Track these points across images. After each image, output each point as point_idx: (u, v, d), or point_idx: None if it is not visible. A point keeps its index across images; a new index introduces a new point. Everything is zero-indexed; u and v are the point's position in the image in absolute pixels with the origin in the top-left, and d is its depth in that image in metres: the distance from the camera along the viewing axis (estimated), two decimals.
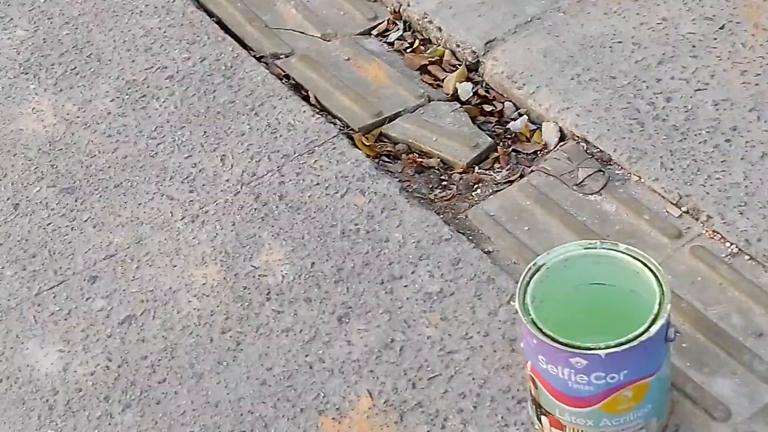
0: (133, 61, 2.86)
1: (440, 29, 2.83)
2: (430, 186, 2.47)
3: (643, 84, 2.54)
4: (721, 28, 2.64)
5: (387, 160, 2.54)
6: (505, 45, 2.72)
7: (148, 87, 2.77)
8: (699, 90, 2.50)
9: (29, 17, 3.06)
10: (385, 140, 2.61)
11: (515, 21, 2.78)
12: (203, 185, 2.48)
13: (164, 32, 2.93)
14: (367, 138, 2.58)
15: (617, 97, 2.51)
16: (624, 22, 2.71)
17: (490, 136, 2.56)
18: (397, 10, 2.96)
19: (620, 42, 2.66)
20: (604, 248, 1.82)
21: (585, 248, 1.83)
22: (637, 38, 2.66)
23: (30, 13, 3.07)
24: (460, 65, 2.77)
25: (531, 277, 1.77)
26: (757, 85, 2.48)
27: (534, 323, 1.67)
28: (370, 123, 2.62)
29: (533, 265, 1.78)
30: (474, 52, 2.74)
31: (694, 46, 2.61)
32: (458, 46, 2.78)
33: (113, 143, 2.62)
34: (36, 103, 2.78)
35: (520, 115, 2.62)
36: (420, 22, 2.89)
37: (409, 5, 2.91)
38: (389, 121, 2.63)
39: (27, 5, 3.10)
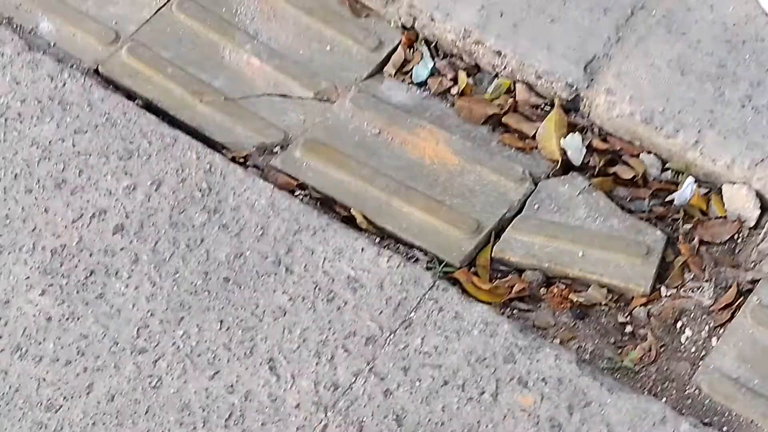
0: (45, 210, 1.97)
1: (500, 53, 2.05)
2: (612, 341, 1.80)
3: None
4: None
5: (523, 306, 1.83)
6: (613, 64, 2.02)
7: (91, 255, 1.91)
8: None
9: None
10: (502, 267, 1.87)
11: (611, 18, 2.08)
12: (263, 425, 1.70)
13: (73, 145, 2.04)
14: (478, 275, 1.84)
15: None
16: None
17: (650, 222, 1.87)
18: (410, 26, 2.15)
19: None
20: None
21: None
22: None
23: None
24: (546, 105, 2.03)
25: None
26: None
27: None
28: (473, 248, 1.86)
29: None
30: (570, 85, 2.01)
31: None
32: (540, 77, 2.02)
33: (80, 376, 1.79)
34: None
35: (673, 172, 1.94)
36: (460, 44, 2.12)
37: (432, 20, 2.13)
38: (497, 236, 1.88)
39: None
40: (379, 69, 2.14)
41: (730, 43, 1.98)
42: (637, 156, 1.96)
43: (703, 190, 1.91)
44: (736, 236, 1.86)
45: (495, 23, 2.08)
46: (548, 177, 1.95)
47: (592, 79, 2.00)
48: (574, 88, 2.00)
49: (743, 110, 1.90)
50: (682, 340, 1.76)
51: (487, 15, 2.08)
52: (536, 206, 1.90)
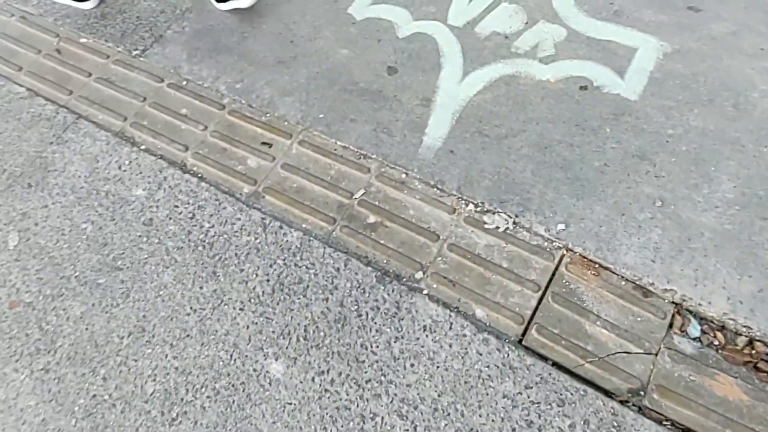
0: None
1: (749, 327, 1.69)
2: None
3: None
4: None
5: None
6: None
7: None
8: None
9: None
10: None
11: None
12: None
13: (528, 396, 1.64)
14: None
15: None
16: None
17: None
18: (677, 302, 1.78)
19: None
20: None
21: None
22: None
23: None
24: None
25: None
26: None
27: None
28: None
29: None
30: None
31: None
32: None
33: None
34: None
35: None
36: (719, 319, 1.73)
37: (700, 304, 1.74)
38: None
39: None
40: (669, 328, 1.77)
41: None
42: None
43: None
44: None
45: (740, 309, 1.72)
46: None
47: None
48: None
49: None
50: None
51: (733, 303, 1.72)
52: None
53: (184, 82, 2.46)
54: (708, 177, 1.98)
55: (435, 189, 2.07)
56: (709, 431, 1.57)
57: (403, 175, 2.12)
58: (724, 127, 2.10)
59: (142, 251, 2.02)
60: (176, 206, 2.12)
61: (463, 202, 2.03)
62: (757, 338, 1.69)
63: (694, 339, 1.74)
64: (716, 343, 1.73)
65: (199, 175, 2.20)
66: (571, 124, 2.17)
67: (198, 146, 2.28)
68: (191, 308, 1.89)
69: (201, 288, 1.93)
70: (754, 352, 1.69)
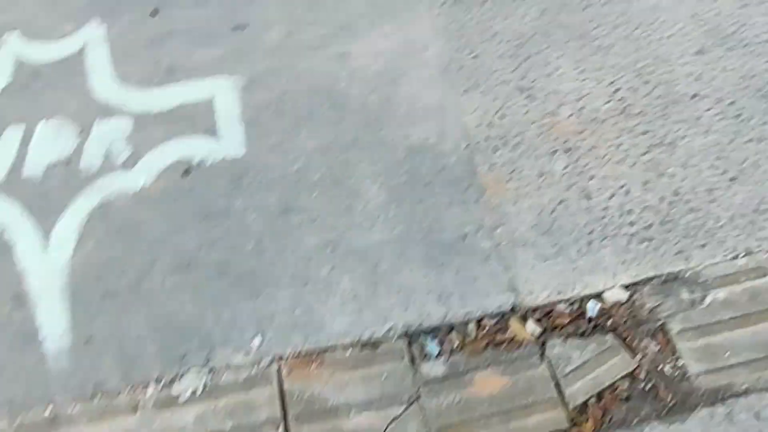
0: None
1: (458, 313, 1.70)
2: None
3: None
4: None
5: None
6: (525, 289, 1.72)
7: None
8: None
9: None
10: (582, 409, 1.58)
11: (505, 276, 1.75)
12: None
13: None
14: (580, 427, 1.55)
15: None
16: None
17: (601, 329, 1.68)
18: (403, 333, 1.71)
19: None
20: None
21: None
22: None
23: None
24: (502, 321, 1.72)
25: None
26: None
27: None
28: (567, 414, 1.56)
29: None
30: (513, 306, 1.71)
31: None
32: (494, 314, 1.71)
33: None
34: None
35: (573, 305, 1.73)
36: (443, 323, 1.72)
37: (421, 324, 1.70)
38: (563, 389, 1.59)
39: None
40: (412, 364, 1.66)
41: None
42: (553, 308, 1.73)
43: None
44: (628, 309, 1.71)
45: (451, 302, 1.70)
46: (532, 357, 1.64)
47: (517, 296, 1.71)
48: (511, 304, 1.71)
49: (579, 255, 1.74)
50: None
51: (443, 300, 1.70)
52: (559, 365, 1.62)
53: None
54: (354, 191, 1.91)
55: (98, 399, 1.60)
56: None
57: (47, 412, 1.59)
58: (337, 133, 2.05)
59: None
60: None
61: (140, 388, 1.61)
62: (461, 321, 1.69)
63: (438, 356, 1.69)
64: (456, 345, 1.70)
65: None
66: (198, 220, 1.88)
67: None
68: None
69: None
70: (484, 332, 1.70)
